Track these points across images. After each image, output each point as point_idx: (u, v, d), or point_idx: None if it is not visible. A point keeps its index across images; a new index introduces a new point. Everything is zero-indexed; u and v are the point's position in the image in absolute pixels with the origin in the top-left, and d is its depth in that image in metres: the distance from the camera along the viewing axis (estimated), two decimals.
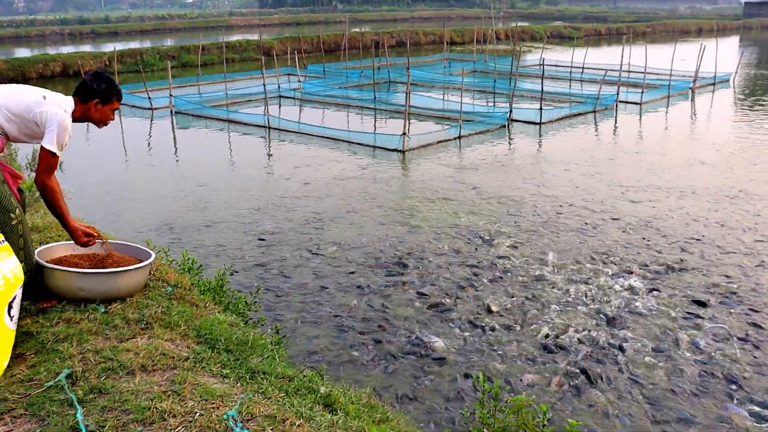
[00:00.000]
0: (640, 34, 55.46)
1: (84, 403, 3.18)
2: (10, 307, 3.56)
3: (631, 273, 8.37)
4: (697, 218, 10.52)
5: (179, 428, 3.01)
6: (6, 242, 3.71)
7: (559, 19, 76.01)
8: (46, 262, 4.34)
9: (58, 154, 4.18)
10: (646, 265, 8.65)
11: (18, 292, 3.66)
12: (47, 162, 4.18)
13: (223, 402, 3.27)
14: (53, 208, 4.34)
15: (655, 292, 7.86)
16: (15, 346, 3.63)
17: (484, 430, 3.75)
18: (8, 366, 3.51)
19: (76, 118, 4.37)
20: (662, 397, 5.79)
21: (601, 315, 7.28)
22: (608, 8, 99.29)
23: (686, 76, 25.79)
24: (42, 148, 4.15)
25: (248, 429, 3.04)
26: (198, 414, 3.13)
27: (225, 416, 3.12)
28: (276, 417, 3.18)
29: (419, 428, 4.60)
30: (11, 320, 3.58)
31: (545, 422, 3.62)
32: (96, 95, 4.35)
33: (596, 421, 5.40)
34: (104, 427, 3.00)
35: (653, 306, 7.49)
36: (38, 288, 4.30)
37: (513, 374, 6.10)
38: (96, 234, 4.58)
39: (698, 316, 7.28)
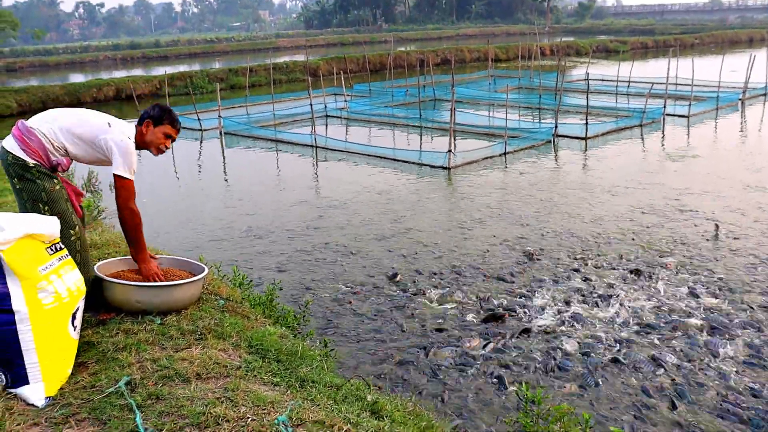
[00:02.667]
0: (688, 46, 54.78)
1: (143, 409, 3.35)
2: (73, 317, 3.76)
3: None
4: None
5: None
6: (70, 256, 3.92)
7: (605, 33, 75.45)
8: (105, 276, 4.55)
9: (130, 178, 4.37)
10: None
11: (80, 304, 3.86)
12: (125, 188, 4.37)
13: (274, 408, 3.40)
14: (137, 233, 4.50)
15: None
16: (77, 355, 3.83)
17: None
18: (72, 373, 3.71)
19: (138, 144, 4.55)
20: None
21: None
22: (655, 20, 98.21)
23: (736, 87, 25.40)
24: (115, 176, 4.36)
25: None
26: (250, 419, 3.27)
27: (276, 421, 3.26)
28: (324, 422, 3.30)
29: None
30: (74, 330, 3.78)
31: (587, 430, 3.67)
32: (148, 116, 4.57)
33: None
34: (162, 430, 3.16)
35: None
36: (97, 301, 4.51)
37: None
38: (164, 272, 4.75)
39: None
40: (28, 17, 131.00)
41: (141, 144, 4.59)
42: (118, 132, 4.36)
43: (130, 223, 4.47)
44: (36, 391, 3.50)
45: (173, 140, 4.72)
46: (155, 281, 4.60)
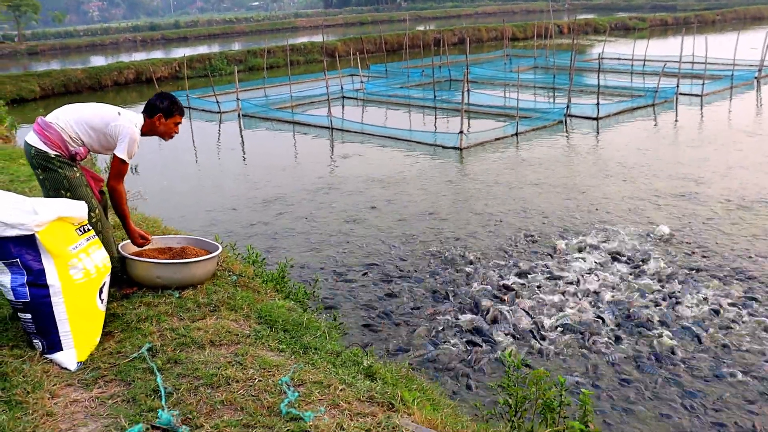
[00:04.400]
0: (709, 22, 54.35)
1: (163, 371, 3.79)
2: (101, 291, 4.21)
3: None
4: None
5: (241, 391, 3.60)
6: (97, 237, 4.37)
7: (625, 9, 74.76)
8: (129, 254, 5.00)
9: (127, 162, 4.83)
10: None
11: (107, 279, 4.31)
12: (118, 169, 4.84)
13: (278, 370, 3.84)
14: (118, 209, 5.00)
15: None
16: (105, 325, 4.29)
17: (509, 399, 4.24)
18: (100, 341, 4.17)
19: (144, 132, 4.99)
20: None
21: None
22: None
23: (752, 65, 25.35)
24: (114, 156, 4.81)
25: (298, 392, 3.59)
26: (257, 380, 3.71)
27: (280, 381, 3.68)
28: (323, 383, 3.73)
29: (452, 399, 5.09)
30: (102, 303, 4.23)
31: (563, 392, 4.07)
32: (159, 110, 4.97)
33: None
34: (179, 389, 3.60)
35: None
36: (120, 277, 4.96)
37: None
38: (149, 238, 5.25)
39: None
40: (48, 0, 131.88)
41: (149, 133, 5.03)
42: (126, 120, 4.79)
43: (111, 198, 4.96)
44: (69, 357, 3.96)
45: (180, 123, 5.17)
46: (139, 243, 5.15)
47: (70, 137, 4.67)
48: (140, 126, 4.90)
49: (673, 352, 6.67)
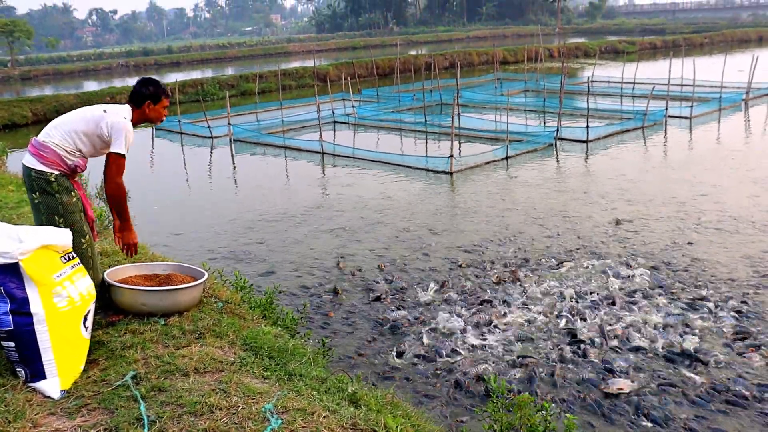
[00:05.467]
0: (698, 45, 54.89)
1: (146, 399, 3.78)
2: (85, 319, 4.21)
3: None
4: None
5: (224, 419, 3.59)
6: (81, 264, 4.37)
7: (615, 33, 75.57)
8: (114, 282, 5.00)
9: (125, 155, 4.79)
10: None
11: (91, 307, 4.31)
12: (118, 164, 4.80)
13: (262, 398, 3.83)
14: (122, 205, 4.98)
15: None
16: (89, 353, 4.28)
17: (494, 425, 4.24)
18: (84, 369, 4.16)
19: (135, 122, 4.96)
20: None
21: None
22: (666, 20, 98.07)
23: (740, 87, 25.60)
24: (111, 153, 4.77)
25: (282, 420, 3.58)
26: (240, 407, 3.70)
27: (263, 409, 3.68)
28: (306, 410, 3.72)
29: (437, 425, 5.08)
30: (86, 330, 4.23)
31: (548, 417, 4.08)
32: (147, 97, 4.97)
33: None
34: (162, 417, 3.59)
35: None
36: (107, 304, 4.95)
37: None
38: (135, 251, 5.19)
39: None
40: (43, 25, 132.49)
41: (139, 121, 5.02)
42: (114, 115, 4.77)
43: (116, 195, 4.92)
44: (52, 385, 3.94)
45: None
46: (131, 252, 5.10)
47: (66, 151, 4.68)
48: (129, 118, 4.88)
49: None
